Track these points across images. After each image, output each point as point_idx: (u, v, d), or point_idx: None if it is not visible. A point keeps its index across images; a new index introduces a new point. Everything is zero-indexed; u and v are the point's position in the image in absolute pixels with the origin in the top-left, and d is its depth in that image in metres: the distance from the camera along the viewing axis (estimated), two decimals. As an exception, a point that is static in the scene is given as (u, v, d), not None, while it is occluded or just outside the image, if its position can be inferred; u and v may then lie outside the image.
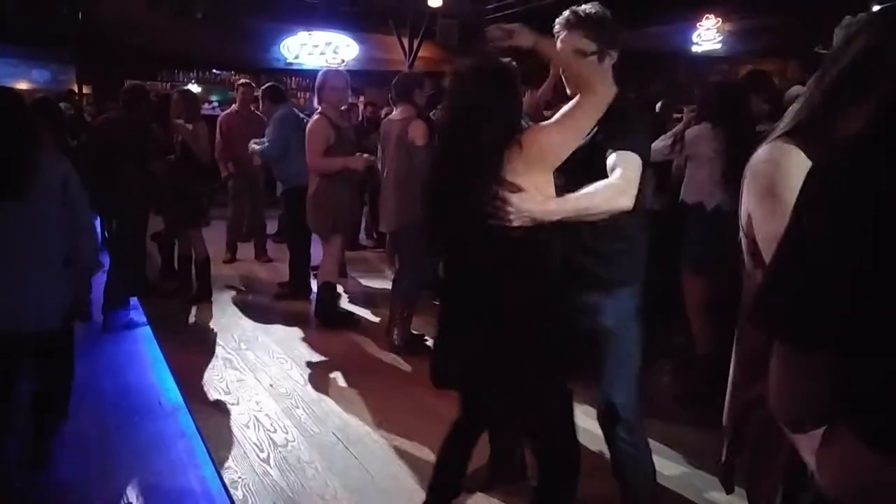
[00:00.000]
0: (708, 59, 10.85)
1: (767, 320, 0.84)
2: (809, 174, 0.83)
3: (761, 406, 1.12)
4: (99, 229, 6.15)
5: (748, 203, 1.20)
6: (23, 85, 10.63)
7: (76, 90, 10.45)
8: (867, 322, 0.75)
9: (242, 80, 6.77)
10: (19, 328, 2.20)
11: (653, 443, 2.92)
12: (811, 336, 0.79)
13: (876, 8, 1.11)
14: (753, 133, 3.21)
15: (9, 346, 2.21)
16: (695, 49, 10.85)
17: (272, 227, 6.64)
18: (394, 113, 4.12)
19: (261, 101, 5.62)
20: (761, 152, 1.18)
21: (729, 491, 1.22)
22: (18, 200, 2.17)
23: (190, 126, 4.86)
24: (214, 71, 11.81)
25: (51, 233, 2.26)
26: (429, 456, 2.77)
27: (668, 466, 2.78)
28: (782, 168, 1.12)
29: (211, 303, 4.98)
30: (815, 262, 0.78)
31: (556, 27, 2.04)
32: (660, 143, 3.41)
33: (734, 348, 1.26)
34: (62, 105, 5.95)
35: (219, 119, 6.08)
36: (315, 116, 4.32)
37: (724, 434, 1.25)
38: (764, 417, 1.11)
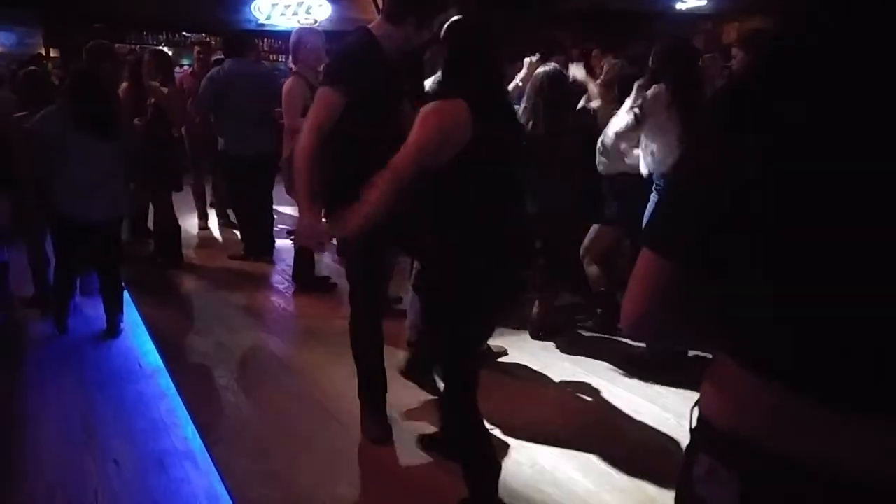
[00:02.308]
0: (692, 16, 10.72)
1: (643, 234, 0.93)
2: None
3: None
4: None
5: None
6: (-11, 49, 10.31)
7: (43, 53, 10.14)
8: (726, 240, 0.82)
9: (198, 40, 6.61)
10: (93, 218, 3.55)
11: (633, 402, 3.06)
12: (672, 246, 0.87)
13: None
14: (702, 94, 3.17)
15: (85, 229, 3.57)
16: (678, 7, 10.70)
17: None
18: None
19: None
20: None
21: None
22: (111, 140, 3.52)
23: (165, 89, 4.76)
24: (184, 34, 11.50)
25: (120, 159, 3.61)
26: (408, 412, 2.85)
27: (648, 426, 2.88)
28: None
29: (185, 267, 4.98)
30: (686, 183, 0.89)
31: None
32: (623, 121, 3.30)
33: None
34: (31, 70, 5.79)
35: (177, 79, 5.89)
36: (290, 77, 4.26)
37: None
38: None
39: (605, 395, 3.16)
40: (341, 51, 2.58)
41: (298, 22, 11.12)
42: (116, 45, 7.34)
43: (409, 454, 2.61)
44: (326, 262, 5.12)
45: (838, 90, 0.76)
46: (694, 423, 0.94)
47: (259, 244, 5.20)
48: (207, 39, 7.91)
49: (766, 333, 0.83)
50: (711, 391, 0.92)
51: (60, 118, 3.42)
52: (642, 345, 3.49)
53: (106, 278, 3.77)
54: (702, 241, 0.84)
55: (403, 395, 2.96)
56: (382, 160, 2.32)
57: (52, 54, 10.37)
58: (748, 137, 0.79)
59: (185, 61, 11.00)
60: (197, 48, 6.06)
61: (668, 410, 2.97)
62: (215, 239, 5.83)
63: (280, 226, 5.69)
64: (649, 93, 3.18)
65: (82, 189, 3.46)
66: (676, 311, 0.89)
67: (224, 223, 6.14)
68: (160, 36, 11.23)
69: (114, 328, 3.74)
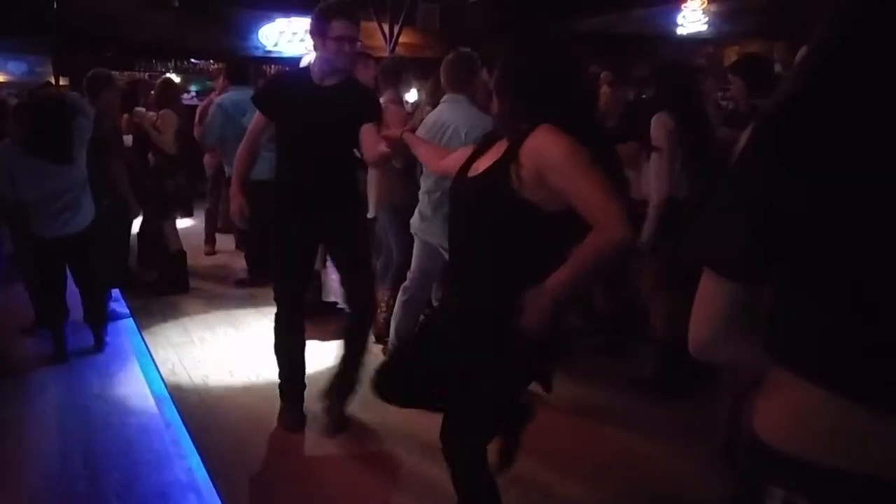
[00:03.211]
0: (693, 41, 10.84)
1: (697, 250, 0.94)
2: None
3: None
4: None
5: None
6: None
7: (53, 82, 10.28)
8: (776, 254, 0.84)
9: (219, 67, 6.68)
10: (68, 232, 3.62)
11: (641, 425, 3.00)
12: (735, 267, 0.88)
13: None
14: (704, 117, 3.14)
15: (62, 244, 3.63)
16: (679, 31, 10.83)
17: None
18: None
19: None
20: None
21: (727, 471, 1.22)
22: (69, 164, 3.58)
23: (152, 114, 4.77)
24: (192, 60, 11.66)
25: (83, 178, 3.68)
26: (408, 440, 2.79)
27: (658, 449, 2.83)
28: None
29: (191, 294, 4.94)
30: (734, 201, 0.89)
31: None
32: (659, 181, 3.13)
33: None
34: None
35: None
36: None
37: (719, 416, 1.24)
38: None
39: (613, 418, 3.11)
40: (267, 80, 2.89)
41: (305, 49, 11.25)
42: (126, 73, 7.47)
43: (415, 481, 2.54)
44: (333, 287, 5.08)
45: (876, 115, 0.77)
46: (745, 451, 0.91)
47: (263, 267, 5.21)
48: (216, 65, 8.01)
49: (853, 354, 0.80)
50: (776, 415, 0.87)
51: (16, 147, 3.53)
52: (648, 366, 3.44)
53: (86, 292, 3.86)
54: (766, 259, 0.85)
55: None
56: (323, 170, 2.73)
57: (61, 82, 10.51)
58: (794, 160, 0.80)
59: (193, 87, 11.15)
60: (222, 78, 6.14)
61: (677, 432, 2.91)
62: (222, 265, 5.80)
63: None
64: (653, 121, 3.12)
65: (46, 210, 3.57)
66: (743, 331, 0.90)
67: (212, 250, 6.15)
68: (168, 63, 11.38)
69: (99, 341, 3.83)
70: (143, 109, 4.77)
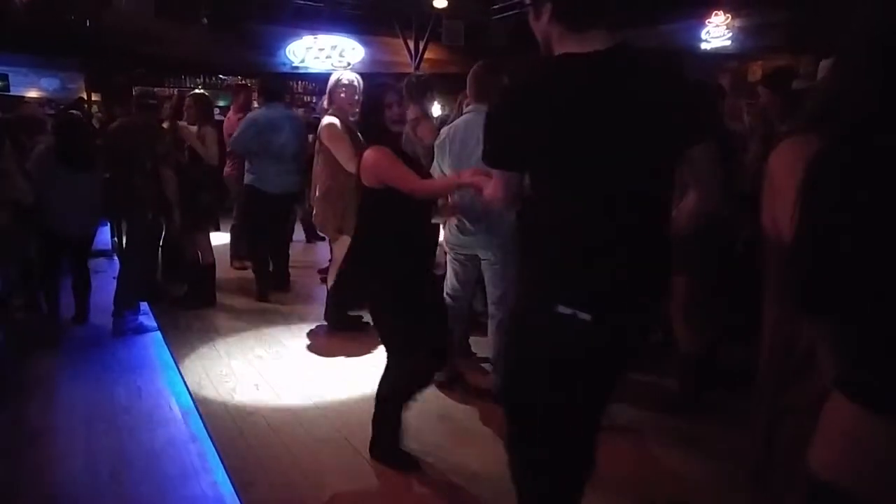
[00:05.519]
0: (717, 56, 10.78)
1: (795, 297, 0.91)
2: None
3: (793, 414, 1.08)
4: (110, 234, 6.20)
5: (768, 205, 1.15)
6: (32, 93, 10.71)
7: (85, 98, 10.52)
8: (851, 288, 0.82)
9: (238, 83, 6.85)
10: (77, 233, 4.40)
11: (669, 447, 2.94)
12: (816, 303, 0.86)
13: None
14: (723, 133, 3.08)
15: (73, 240, 4.42)
16: (703, 47, 10.77)
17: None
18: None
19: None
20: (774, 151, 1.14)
21: (759, 494, 1.18)
22: (87, 172, 4.34)
23: (195, 129, 4.87)
24: (221, 76, 11.86)
25: (95, 187, 4.42)
26: (440, 454, 2.76)
27: (676, 463, 2.78)
28: (779, 166, 1.08)
29: (218, 308, 4.98)
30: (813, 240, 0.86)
31: None
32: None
33: (762, 350, 1.22)
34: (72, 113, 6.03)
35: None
36: (328, 120, 4.28)
37: (752, 437, 1.20)
38: (795, 428, 1.07)
39: (639, 432, 3.06)
40: None
41: (332, 65, 11.39)
42: (156, 89, 7.65)
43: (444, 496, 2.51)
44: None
45: None
46: (803, 487, 0.89)
47: (275, 280, 5.34)
48: (243, 81, 8.15)
49: None
50: (840, 450, 0.85)
51: (50, 154, 4.26)
52: (675, 387, 3.38)
53: (78, 273, 4.58)
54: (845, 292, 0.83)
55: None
56: None
57: (93, 98, 10.74)
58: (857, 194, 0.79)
59: (221, 102, 11.33)
60: (239, 91, 6.39)
61: (707, 449, 2.85)
62: (248, 279, 5.83)
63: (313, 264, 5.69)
64: None
65: (69, 209, 4.24)
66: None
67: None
68: (197, 79, 11.59)
69: (83, 314, 4.56)
70: (185, 124, 4.89)
